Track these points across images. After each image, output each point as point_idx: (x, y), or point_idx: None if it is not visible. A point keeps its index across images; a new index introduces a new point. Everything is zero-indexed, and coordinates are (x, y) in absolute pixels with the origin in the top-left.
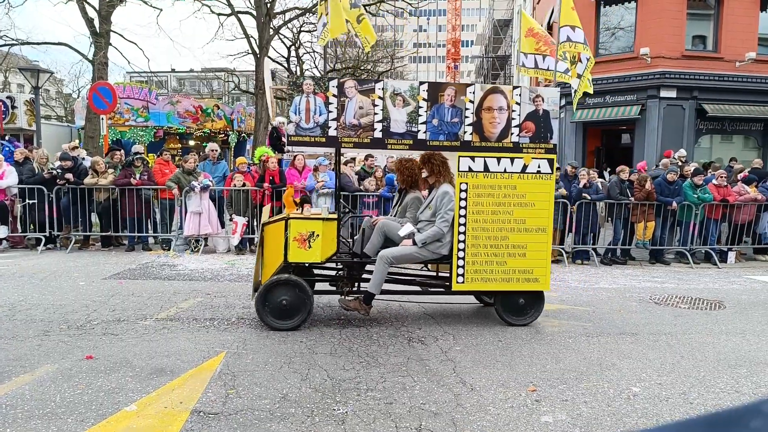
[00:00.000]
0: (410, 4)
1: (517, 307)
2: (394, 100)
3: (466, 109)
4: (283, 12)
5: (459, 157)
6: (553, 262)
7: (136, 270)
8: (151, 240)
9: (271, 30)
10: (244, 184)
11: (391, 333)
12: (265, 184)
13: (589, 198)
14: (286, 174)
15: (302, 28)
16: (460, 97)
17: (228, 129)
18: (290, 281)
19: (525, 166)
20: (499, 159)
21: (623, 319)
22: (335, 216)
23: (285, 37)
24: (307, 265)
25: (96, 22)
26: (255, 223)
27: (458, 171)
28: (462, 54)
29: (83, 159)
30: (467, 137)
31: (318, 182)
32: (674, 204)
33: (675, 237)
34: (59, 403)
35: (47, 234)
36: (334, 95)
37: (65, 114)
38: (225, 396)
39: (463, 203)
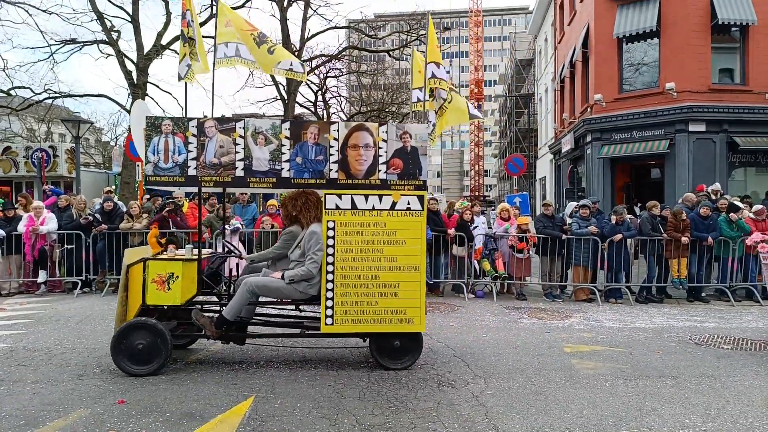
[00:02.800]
0: None
1: (392, 350)
2: (256, 138)
3: (331, 146)
4: (310, 59)
5: (325, 194)
6: (585, 301)
7: None
8: None
9: None
10: (272, 226)
11: (421, 376)
12: None
13: (622, 236)
14: None
15: (329, 74)
16: (323, 135)
17: None
18: (146, 325)
19: (394, 203)
20: (366, 196)
21: (662, 361)
22: (196, 257)
23: (312, 82)
24: (166, 307)
25: (134, 75)
26: None
27: (325, 209)
28: (485, 93)
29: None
30: (333, 175)
31: None
32: (710, 239)
33: (713, 273)
34: None
35: (83, 278)
36: (193, 135)
37: (103, 161)
38: None
39: (330, 241)
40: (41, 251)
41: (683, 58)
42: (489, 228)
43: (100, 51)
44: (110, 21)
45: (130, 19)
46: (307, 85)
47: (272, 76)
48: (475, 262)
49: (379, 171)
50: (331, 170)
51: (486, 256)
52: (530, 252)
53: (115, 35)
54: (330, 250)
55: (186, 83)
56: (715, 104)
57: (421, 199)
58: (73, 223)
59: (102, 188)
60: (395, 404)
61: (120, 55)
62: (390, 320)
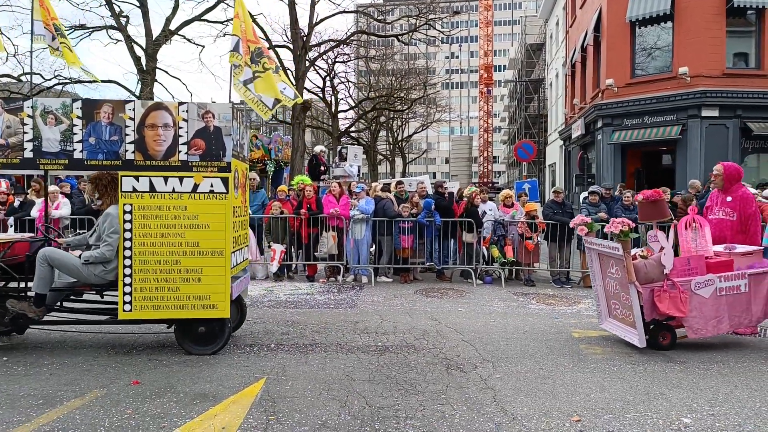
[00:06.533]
0: (442, 32)
1: (197, 336)
2: (45, 118)
3: (127, 126)
4: (318, 44)
5: (121, 176)
6: None
7: None
8: None
9: (306, 62)
10: (282, 212)
11: (429, 360)
12: (302, 211)
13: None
14: (323, 201)
15: (336, 59)
16: (118, 114)
17: (266, 158)
18: None
19: (196, 186)
20: (166, 178)
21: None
22: None
23: (320, 68)
24: None
25: (143, 60)
26: (292, 250)
27: (121, 191)
28: (494, 78)
29: None
30: (129, 156)
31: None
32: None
33: None
34: (108, 427)
35: None
36: None
37: None
38: (266, 422)
39: (128, 225)
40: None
41: (697, 42)
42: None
43: (109, 36)
44: (119, 6)
45: (138, 4)
46: (316, 70)
47: (281, 62)
48: (484, 248)
49: (180, 152)
50: (127, 151)
51: (494, 242)
52: (539, 238)
53: (123, 21)
54: (127, 235)
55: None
56: (728, 89)
57: (225, 181)
58: (85, 207)
59: None
60: (404, 387)
61: (129, 41)
62: (193, 306)
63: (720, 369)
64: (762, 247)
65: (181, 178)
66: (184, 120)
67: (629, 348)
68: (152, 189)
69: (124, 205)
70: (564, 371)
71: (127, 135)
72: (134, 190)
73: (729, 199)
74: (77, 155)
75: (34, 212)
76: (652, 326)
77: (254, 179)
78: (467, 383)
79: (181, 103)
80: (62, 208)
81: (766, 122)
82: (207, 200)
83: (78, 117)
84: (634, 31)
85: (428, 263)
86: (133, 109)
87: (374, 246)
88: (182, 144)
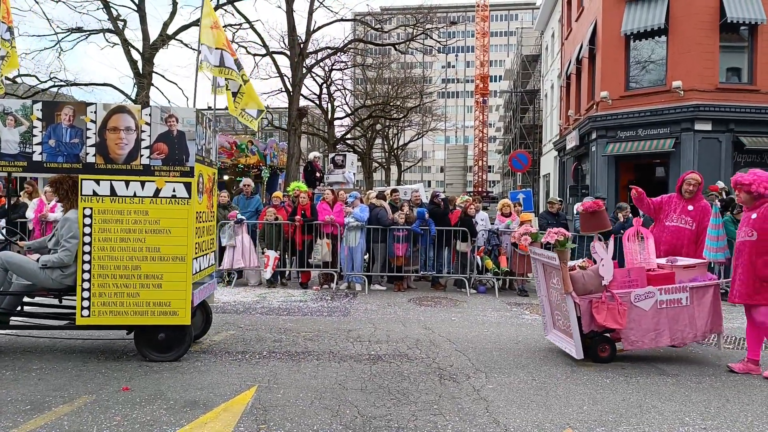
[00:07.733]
0: (438, 42)
1: (158, 343)
2: (5, 119)
3: (88, 129)
4: (315, 51)
5: (81, 179)
6: None
7: None
8: None
9: (303, 69)
10: (277, 218)
11: (422, 370)
12: (297, 217)
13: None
14: (317, 208)
15: (333, 67)
16: (79, 117)
17: (261, 164)
18: None
19: (158, 190)
20: (127, 182)
21: (664, 360)
22: None
23: (317, 75)
24: None
25: (139, 64)
26: (286, 257)
27: (81, 195)
28: (490, 89)
29: None
30: (90, 159)
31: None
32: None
33: (715, 272)
34: None
35: None
36: None
37: None
38: (257, 431)
39: (87, 230)
40: None
41: (691, 56)
42: (491, 224)
43: (106, 40)
44: (116, 10)
45: (136, 8)
46: (312, 77)
47: (278, 69)
48: (478, 257)
49: (142, 156)
50: (88, 154)
51: (488, 252)
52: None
53: (121, 24)
54: (87, 239)
55: None
56: (721, 103)
57: (188, 186)
58: None
59: None
60: (397, 396)
61: (126, 45)
62: (153, 312)
63: (712, 382)
64: (706, 260)
65: (142, 183)
66: (146, 124)
67: (621, 360)
68: (113, 193)
69: (84, 208)
70: (557, 382)
71: (89, 138)
72: (95, 193)
73: (690, 208)
74: (36, 157)
75: (30, 213)
76: (591, 338)
77: (249, 185)
78: (460, 394)
79: (144, 107)
80: (58, 211)
81: (759, 137)
82: (169, 205)
83: (38, 119)
84: (629, 44)
85: (422, 272)
86: (95, 112)
87: (368, 254)
88: (144, 148)
